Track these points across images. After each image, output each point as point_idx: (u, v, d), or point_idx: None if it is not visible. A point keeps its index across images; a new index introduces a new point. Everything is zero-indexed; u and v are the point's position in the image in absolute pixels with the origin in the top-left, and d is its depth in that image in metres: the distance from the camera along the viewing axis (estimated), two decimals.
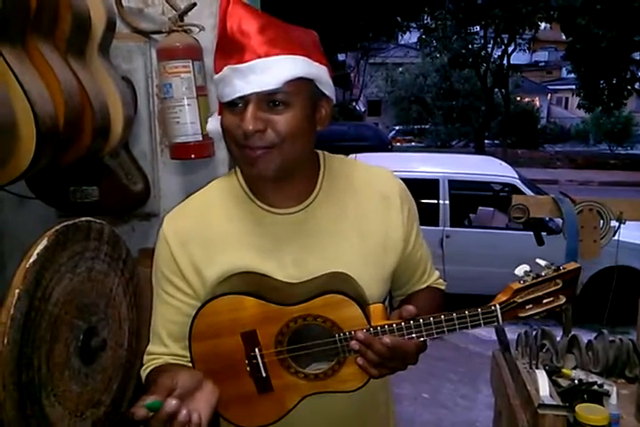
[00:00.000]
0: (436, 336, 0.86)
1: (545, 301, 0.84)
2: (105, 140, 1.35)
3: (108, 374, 1.17)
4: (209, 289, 0.88)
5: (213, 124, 0.92)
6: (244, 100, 0.79)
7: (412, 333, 0.83)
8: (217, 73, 0.82)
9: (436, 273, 1.06)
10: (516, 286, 0.83)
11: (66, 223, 1.05)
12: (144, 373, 0.95)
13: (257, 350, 0.84)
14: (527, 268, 0.84)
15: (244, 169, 0.85)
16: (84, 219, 1.10)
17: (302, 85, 0.80)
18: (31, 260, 0.95)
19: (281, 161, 0.81)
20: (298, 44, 0.81)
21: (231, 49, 0.79)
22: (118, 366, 1.21)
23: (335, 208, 0.91)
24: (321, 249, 0.89)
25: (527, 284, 0.83)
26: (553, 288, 0.84)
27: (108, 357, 1.16)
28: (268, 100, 0.78)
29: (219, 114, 0.88)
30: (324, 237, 0.90)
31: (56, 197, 1.56)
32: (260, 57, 0.77)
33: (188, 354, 0.89)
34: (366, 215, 0.92)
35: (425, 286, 1.04)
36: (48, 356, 0.99)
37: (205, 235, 0.89)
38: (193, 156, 1.48)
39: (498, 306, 0.83)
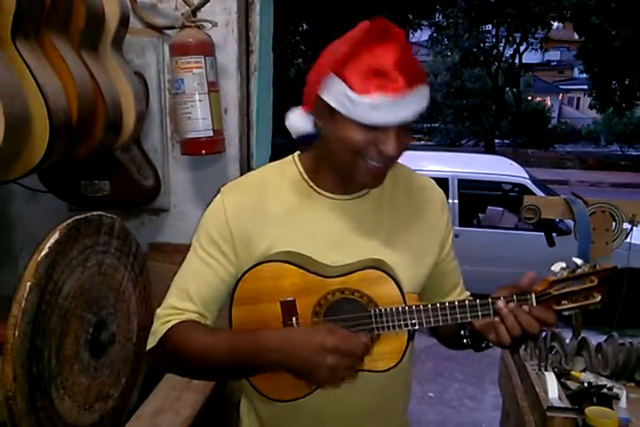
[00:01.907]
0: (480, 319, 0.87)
1: (580, 298, 0.87)
2: (117, 135, 1.36)
3: (117, 367, 1.18)
4: (253, 263, 0.90)
5: (297, 119, 0.92)
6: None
7: (455, 313, 0.84)
8: (360, 93, 0.80)
9: (467, 293, 1.09)
10: (552, 278, 0.86)
11: (77, 217, 1.05)
12: (164, 325, 0.90)
13: (294, 318, 0.86)
14: (563, 264, 0.87)
15: (360, 178, 0.87)
16: (95, 213, 1.11)
17: None
18: (43, 253, 0.95)
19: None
20: (423, 71, 0.86)
21: (386, 77, 0.80)
22: (127, 360, 1.22)
23: (385, 203, 0.95)
24: (365, 239, 0.92)
25: (563, 277, 0.86)
26: (588, 285, 0.86)
27: (116, 350, 1.16)
28: (404, 126, 0.84)
29: (305, 110, 0.90)
30: (370, 228, 0.93)
31: (68, 190, 1.56)
32: (410, 88, 0.81)
33: (210, 318, 0.92)
34: (411, 215, 0.97)
35: (463, 297, 1.06)
36: (58, 349, 1.00)
37: (261, 212, 0.92)
38: (203, 151, 1.48)
39: (533, 295, 0.85)
